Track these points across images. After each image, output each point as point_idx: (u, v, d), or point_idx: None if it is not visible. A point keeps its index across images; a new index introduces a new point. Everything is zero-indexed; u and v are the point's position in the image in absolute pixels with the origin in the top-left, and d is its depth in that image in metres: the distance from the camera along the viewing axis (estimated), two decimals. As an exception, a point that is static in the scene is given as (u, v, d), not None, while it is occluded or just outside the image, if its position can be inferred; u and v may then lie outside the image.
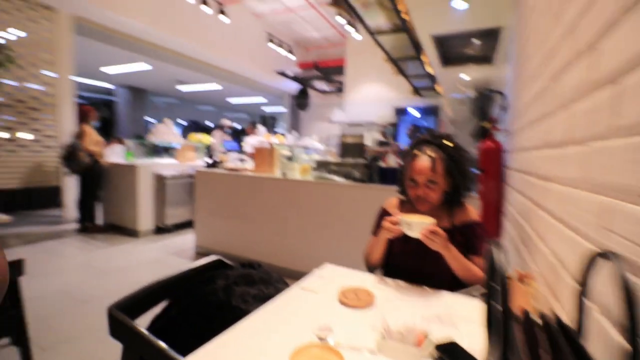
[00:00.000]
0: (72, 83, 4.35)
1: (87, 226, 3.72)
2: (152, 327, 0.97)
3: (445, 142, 1.13)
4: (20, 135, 4.02)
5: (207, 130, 7.39)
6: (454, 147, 1.12)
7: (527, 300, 0.74)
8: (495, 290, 0.38)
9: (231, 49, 6.26)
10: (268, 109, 12.89)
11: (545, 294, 0.74)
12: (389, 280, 1.10)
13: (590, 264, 0.40)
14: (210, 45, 5.79)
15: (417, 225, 1.01)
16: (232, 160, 3.41)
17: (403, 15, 2.55)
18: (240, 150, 4.74)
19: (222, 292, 1.03)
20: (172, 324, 0.96)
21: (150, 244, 3.41)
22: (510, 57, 2.32)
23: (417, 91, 5.91)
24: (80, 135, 3.57)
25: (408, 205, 1.22)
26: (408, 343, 0.68)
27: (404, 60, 4.08)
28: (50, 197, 4.28)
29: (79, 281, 2.46)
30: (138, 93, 9.31)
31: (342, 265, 1.18)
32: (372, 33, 3.05)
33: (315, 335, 0.74)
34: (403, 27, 2.82)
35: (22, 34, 3.90)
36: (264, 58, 7.09)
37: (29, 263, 2.71)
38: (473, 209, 1.17)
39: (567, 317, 0.59)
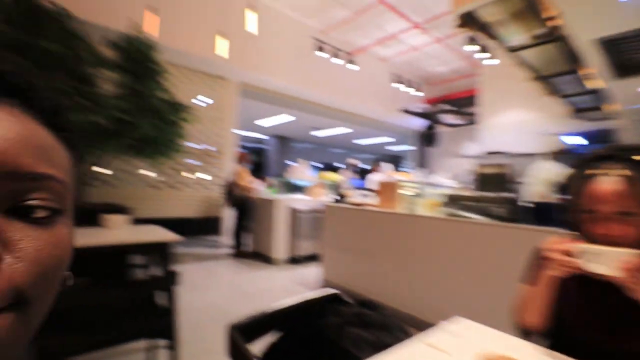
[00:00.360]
0: (235, 135, 5.43)
1: (237, 252, 4.36)
2: (267, 356, 0.96)
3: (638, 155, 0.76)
4: (199, 175, 5.21)
5: (337, 170, 7.88)
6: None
7: None
8: None
9: (359, 94, 6.67)
10: (394, 148, 12.89)
11: None
12: (558, 355, 0.78)
13: None
14: (340, 93, 6.33)
15: (610, 256, 0.67)
16: (356, 196, 3.44)
17: (552, 22, 2.13)
18: (365, 188, 4.79)
19: (334, 330, 0.95)
20: (285, 356, 0.93)
21: (283, 272, 3.70)
22: None
23: (579, 113, 4.79)
24: (236, 175, 4.34)
25: None
26: None
27: (555, 76, 3.40)
28: (213, 225, 5.27)
29: (226, 297, 2.83)
30: (283, 140, 10.93)
31: (477, 321, 0.92)
32: (514, 50, 2.67)
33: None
34: (554, 35, 2.36)
35: (205, 99, 5.19)
36: (390, 98, 7.24)
37: (191, 278, 3.30)
38: None
39: None
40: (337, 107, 6.86)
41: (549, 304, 0.82)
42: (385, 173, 4.69)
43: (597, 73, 3.53)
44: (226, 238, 5.00)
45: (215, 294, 2.94)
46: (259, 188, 4.84)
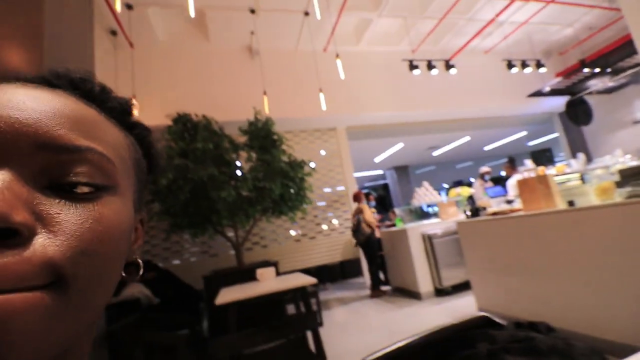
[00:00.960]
0: (354, 178, 5.67)
1: (373, 292, 4.25)
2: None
3: None
4: (334, 222, 5.54)
5: (469, 185, 7.09)
6: None
7: None
8: None
9: (469, 96, 6.08)
10: (535, 142, 10.83)
11: None
12: None
13: None
14: (447, 102, 5.92)
15: None
16: (496, 205, 2.97)
17: None
18: (506, 194, 4.10)
19: (486, 359, 0.78)
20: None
21: (431, 307, 3.37)
22: None
23: None
24: (359, 212, 4.42)
25: None
26: None
27: None
28: (354, 268, 5.37)
29: (372, 338, 2.76)
30: (401, 170, 10.71)
31: None
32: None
33: None
34: None
35: (322, 152, 5.67)
36: (509, 88, 6.32)
37: (337, 321, 3.36)
38: None
39: None
40: (449, 117, 6.38)
41: None
42: (524, 171, 3.94)
43: None
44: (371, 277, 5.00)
45: (362, 335, 2.89)
46: (388, 222, 4.77)
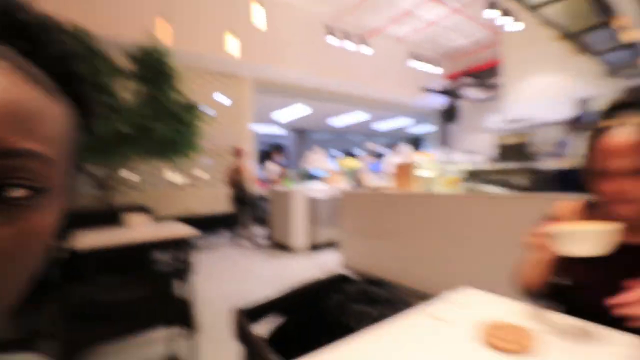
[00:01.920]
0: (252, 132, 5.49)
1: (251, 244, 4.45)
2: (271, 339, 0.96)
3: None
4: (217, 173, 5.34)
5: (356, 157, 7.78)
6: None
7: None
8: None
9: (375, 78, 6.50)
10: (414, 130, 12.54)
11: None
12: (567, 317, 0.72)
13: None
14: (356, 78, 6.20)
15: (588, 237, 0.60)
16: (373, 180, 3.38)
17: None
18: (383, 172, 4.69)
19: (337, 308, 0.93)
20: (288, 338, 0.92)
21: (303, 260, 3.75)
22: None
23: (613, 71, 4.37)
24: (238, 169, 4.46)
25: (594, 211, 0.80)
26: None
27: (585, 32, 3.12)
28: (234, 220, 5.38)
29: (245, 285, 2.94)
30: (301, 133, 10.94)
31: (494, 292, 0.87)
32: (537, 7, 2.48)
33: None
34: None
35: (222, 98, 5.26)
36: (407, 78, 7.00)
37: (212, 269, 3.40)
38: None
39: None
40: (353, 93, 6.73)
41: (547, 269, 0.76)
42: (402, 155, 4.57)
43: (632, 23, 3.20)
44: (246, 231, 5.14)
45: (236, 283, 3.04)
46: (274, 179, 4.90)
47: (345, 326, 0.87)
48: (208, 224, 5.26)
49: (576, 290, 0.78)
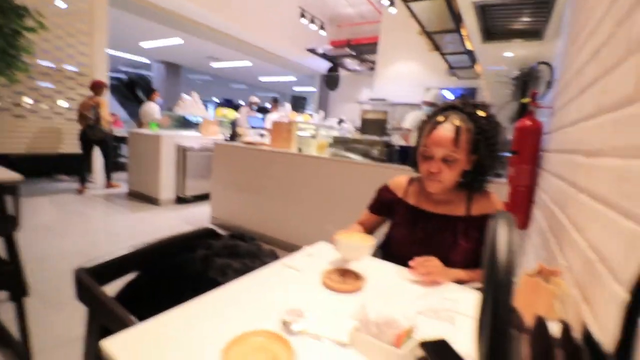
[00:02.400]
0: (106, 56, 4.45)
1: (81, 189, 3.92)
2: (121, 295, 0.91)
3: (477, 111, 0.90)
4: (59, 103, 4.22)
5: (237, 108, 7.42)
6: (487, 117, 0.91)
7: (549, 303, 0.58)
8: (493, 283, 0.23)
9: (262, 25, 6.12)
10: (299, 89, 12.74)
11: (577, 299, 0.57)
12: (388, 264, 0.96)
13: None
14: (241, 21, 5.69)
15: (351, 250, 0.81)
16: (251, 135, 3.35)
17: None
18: (263, 127, 4.68)
19: (200, 262, 0.95)
20: (141, 292, 0.89)
21: (169, 213, 3.48)
22: (564, 27, 1.99)
23: (453, 71, 5.47)
24: (96, 105, 3.73)
25: (417, 185, 1.06)
26: (384, 339, 0.54)
27: (441, 33, 3.74)
28: (75, 162, 4.49)
29: (95, 242, 2.54)
30: (173, 68, 9.51)
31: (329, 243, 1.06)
32: (406, 0, 2.77)
33: (281, 318, 0.63)
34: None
35: (61, 5, 4.00)
36: (295, 35, 6.89)
37: (51, 223, 2.84)
38: (497, 198, 0.96)
39: (603, 333, 0.42)
40: (236, 36, 6.20)
41: (372, 227, 1.09)
42: (282, 113, 4.64)
43: (470, 35, 4.00)
44: (98, 175, 4.39)
45: (83, 239, 2.61)
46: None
47: (211, 280, 0.91)
48: (44, 165, 4.22)
49: (393, 246, 1.04)
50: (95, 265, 0.91)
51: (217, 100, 13.18)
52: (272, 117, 4.71)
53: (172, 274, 0.93)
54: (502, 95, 4.75)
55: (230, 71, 9.89)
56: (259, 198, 2.80)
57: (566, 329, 0.31)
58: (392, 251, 1.04)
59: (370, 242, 0.82)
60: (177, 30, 5.94)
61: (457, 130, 0.87)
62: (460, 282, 0.84)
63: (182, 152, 3.74)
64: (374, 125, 2.42)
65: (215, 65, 9.20)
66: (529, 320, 0.38)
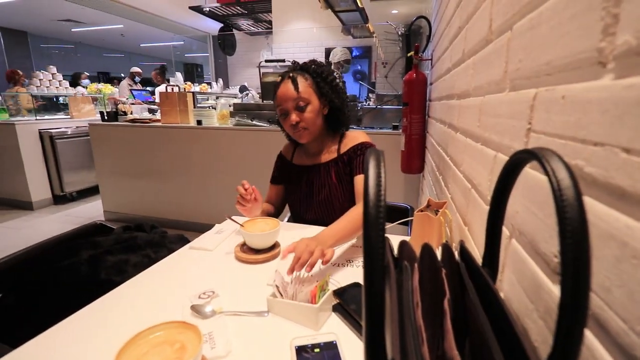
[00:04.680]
0: None
1: None
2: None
3: (306, 64, 0.99)
4: None
5: (117, 81, 6.32)
6: (316, 65, 0.98)
7: (439, 232, 0.66)
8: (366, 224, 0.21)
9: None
10: (192, 56, 11.48)
11: (459, 223, 0.66)
12: (296, 226, 0.98)
13: (506, 174, 0.27)
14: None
15: (259, 240, 0.78)
16: (138, 111, 2.91)
17: None
18: (152, 102, 4.12)
19: (87, 265, 0.81)
20: (13, 314, 0.72)
21: (47, 216, 2.89)
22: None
23: (347, 29, 5.59)
24: None
25: (297, 147, 1.09)
26: (303, 298, 0.55)
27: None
28: None
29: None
30: (15, 36, 7.47)
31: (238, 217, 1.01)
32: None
33: (190, 303, 0.58)
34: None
35: None
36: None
37: None
38: (363, 134, 1.04)
39: (480, 248, 0.49)
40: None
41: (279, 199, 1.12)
42: (172, 83, 4.14)
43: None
44: None
45: None
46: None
47: (104, 281, 0.78)
48: None
49: (291, 207, 1.10)
50: None
51: (89, 74, 11.02)
52: (161, 89, 4.17)
53: (51, 284, 0.77)
54: (393, 52, 5.09)
55: (100, 37, 8.26)
56: (158, 181, 2.50)
57: (446, 249, 0.34)
58: (293, 213, 1.08)
59: (275, 226, 0.80)
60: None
61: (293, 79, 0.92)
62: (343, 238, 0.78)
63: (50, 140, 3.05)
64: (274, 88, 2.32)
65: (77, 30, 7.54)
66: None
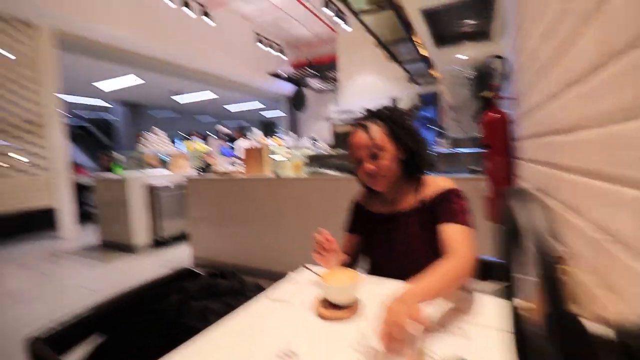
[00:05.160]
0: (59, 101, 4.24)
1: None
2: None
3: (379, 110, 0.96)
4: (16, 157, 3.93)
5: (206, 139, 7.28)
6: (390, 110, 0.95)
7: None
8: (530, 281, 0.16)
9: (220, 54, 6.13)
10: (267, 114, 12.76)
11: (591, 285, 0.53)
12: (375, 278, 0.90)
13: None
14: (198, 51, 5.67)
15: (338, 293, 0.73)
16: (224, 165, 3.24)
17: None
18: (235, 156, 4.58)
19: (174, 309, 0.84)
20: (109, 357, 0.77)
21: (146, 259, 3.26)
22: (509, 23, 2.09)
23: (412, 78, 5.67)
24: None
25: (373, 195, 1.04)
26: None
27: (395, 43, 3.86)
28: (45, 218, 4.18)
29: (69, 304, 2.30)
30: (135, 108, 9.29)
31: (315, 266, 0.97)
32: (356, 13, 2.85)
33: (272, 363, 0.54)
34: (388, 3, 2.61)
35: (3, 53, 3.81)
36: (255, 60, 6.95)
37: (17, 288, 2.59)
38: (444, 179, 0.95)
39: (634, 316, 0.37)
40: (195, 67, 6.15)
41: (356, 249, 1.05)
42: (254, 139, 4.58)
43: (424, 42, 4.17)
44: (68, 231, 4.09)
45: (53, 301, 2.36)
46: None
47: (188, 327, 0.80)
48: (9, 226, 3.89)
49: (369, 258, 1.02)
50: (52, 333, 0.78)
51: (184, 135, 12.93)
52: (241, 144, 4.63)
53: (143, 328, 0.81)
54: (462, 95, 4.95)
55: (195, 104, 9.77)
56: (239, 229, 2.67)
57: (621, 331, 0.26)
58: (371, 264, 1.01)
59: (356, 279, 0.75)
60: (132, 68, 5.83)
61: (366, 127, 0.90)
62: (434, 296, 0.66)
63: (153, 192, 3.55)
64: (346, 138, 2.38)
65: (178, 99, 9.06)
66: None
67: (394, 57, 4.47)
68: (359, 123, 0.93)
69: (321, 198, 2.23)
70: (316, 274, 0.79)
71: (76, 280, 2.80)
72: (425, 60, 4.61)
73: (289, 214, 2.39)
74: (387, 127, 0.91)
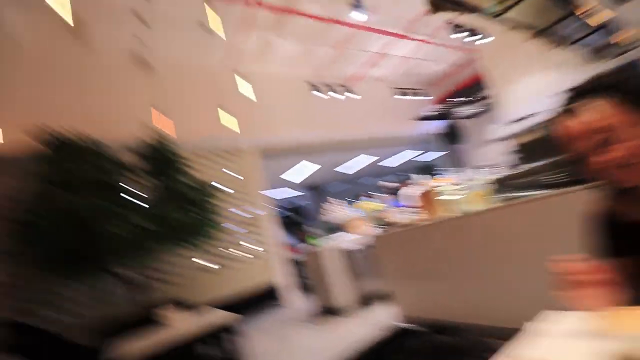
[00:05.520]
0: (268, 198, 5.57)
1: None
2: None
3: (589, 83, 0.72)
4: (246, 245, 5.26)
5: (371, 198, 7.70)
6: (617, 74, 0.70)
7: None
8: None
9: (370, 119, 6.75)
10: (421, 159, 12.48)
11: None
12: None
13: None
14: (351, 124, 6.45)
15: None
16: (397, 216, 3.27)
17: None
18: (402, 206, 4.57)
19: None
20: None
21: (354, 320, 3.47)
22: None
23: (595, 53, 4.39)
24: None
25: (613, 196, 0.73)
26: None
27: (555, 24, 3.21)
28: (272, 294, 5.19)
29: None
30: (316, 189, 11.13)
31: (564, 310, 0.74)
32: (499, 15, 2.59)
33: None
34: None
35: (232, 174, 5.40)
36: (402, 112, 7.25)
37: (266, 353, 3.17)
38: None
39: None
40: (354, 138, 6.91)
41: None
42: (418, 185, 4.47)
43: (598, 6, 3.30)
44: (290, 301, 4.94)
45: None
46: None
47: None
48: (244, 303, 5.07)
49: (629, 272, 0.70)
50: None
51: (352, 200, 14.05)
52: (410, 192, 4.59)
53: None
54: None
55: (359, 170, 10.71)
56: (439, 279, 2.37)
57: None
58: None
59: None
60: (309, 155, 7.08)
61: (597, 106, 0.67)
62: None
63: (347, 255, 3.90)
64: (535, 147, 1.98)
65: (344, 170, 10.17)
66: None
67: (560, 41, 3.69)
68: (569, 109, 0.72)
69: (527, 226, 1.82)
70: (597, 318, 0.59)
71: (304, 342, 3.24)
72: (604, 27, 3.58)
73: (490, 251, 2.02)
74: (621, 98, 0.67)
